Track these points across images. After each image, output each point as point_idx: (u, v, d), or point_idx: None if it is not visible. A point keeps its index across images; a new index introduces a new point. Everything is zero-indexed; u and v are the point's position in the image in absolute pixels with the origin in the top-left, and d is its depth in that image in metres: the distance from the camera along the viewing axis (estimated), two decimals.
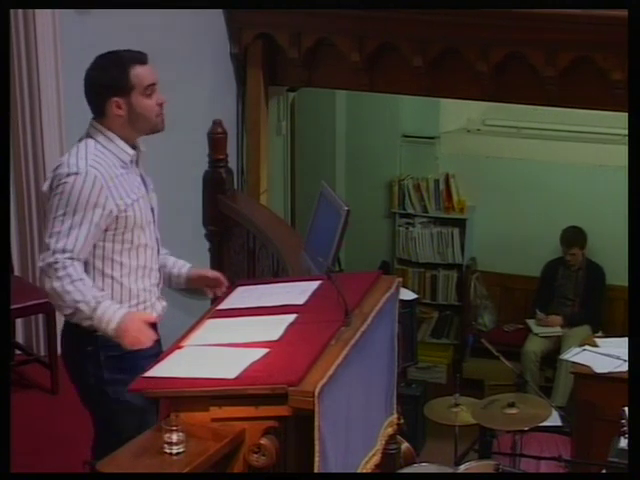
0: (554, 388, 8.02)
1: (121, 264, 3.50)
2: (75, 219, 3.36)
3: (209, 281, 3.82)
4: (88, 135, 3.51)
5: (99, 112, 3.50)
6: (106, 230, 3.45)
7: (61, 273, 3.35)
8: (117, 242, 3.48)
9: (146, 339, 3.42)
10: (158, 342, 3.58)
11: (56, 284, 3.36)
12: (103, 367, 3.49)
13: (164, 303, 3.73)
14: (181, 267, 3.80)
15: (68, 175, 3.37)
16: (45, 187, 3.49)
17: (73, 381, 3.64)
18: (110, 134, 3.49)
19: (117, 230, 3.46)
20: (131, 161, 3.53)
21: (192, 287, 3.85)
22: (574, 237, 8.28)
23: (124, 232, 3.48)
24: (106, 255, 3.47)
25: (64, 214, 3.36)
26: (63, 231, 3.36)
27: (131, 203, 3.48)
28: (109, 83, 3.45)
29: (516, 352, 8.10)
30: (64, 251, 3.36)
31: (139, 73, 3.47)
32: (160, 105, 3.52)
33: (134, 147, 3.56)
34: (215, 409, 2.96)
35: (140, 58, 3.50)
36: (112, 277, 3.49)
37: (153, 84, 3.50)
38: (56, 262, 3.35)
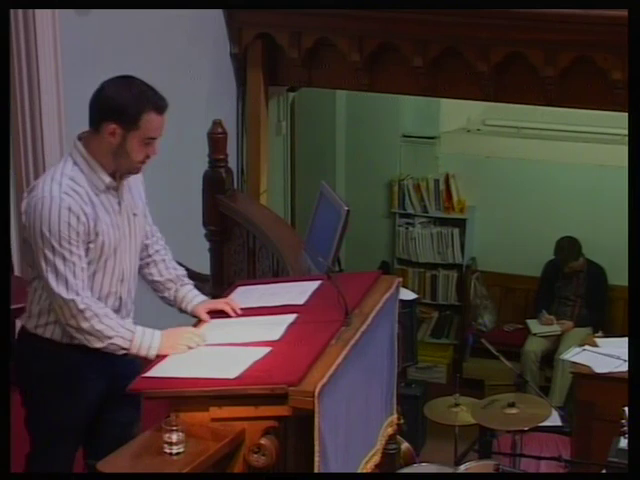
0: (552, 388, 8.01)
1: None
2: (69, 255, 3.28)
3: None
4: (69, 155, 3.40)
5: (94, 127, 3.35)
6: None
7: (88, 314, 3.31)
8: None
9: (187, 345, 3.32)
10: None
11: (85, 325, 3.32)
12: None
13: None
14: (188, 303, 3.65)
15: (43, 200, 3.28)
16: (23, 207, 3.40)
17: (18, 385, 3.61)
18: (90, 159, 3.35)
19: (88, 257, 3.36)
20: (107, 188, 3.40)
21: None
22: (568, 252, 8.20)
23: (92, 259, 3.37)
24: None
25: (53, 250, 3.27)
26: (64, 270, 3.28)
27: (100, 232, 3.36)
28: (119, 109, 3.28)
29: (516, 352, 8.10)
30: (77, 292, 3.30)
31: (152, 121, 3.30)
32: (148, 157, 3.38)
33: (112, 175, 3.40)
34: (215, 409, 2.97)
35: (161, 106, 3.32)
36: None
37: (155, 138, 3.35)
38: (74, 302, 3.30)
